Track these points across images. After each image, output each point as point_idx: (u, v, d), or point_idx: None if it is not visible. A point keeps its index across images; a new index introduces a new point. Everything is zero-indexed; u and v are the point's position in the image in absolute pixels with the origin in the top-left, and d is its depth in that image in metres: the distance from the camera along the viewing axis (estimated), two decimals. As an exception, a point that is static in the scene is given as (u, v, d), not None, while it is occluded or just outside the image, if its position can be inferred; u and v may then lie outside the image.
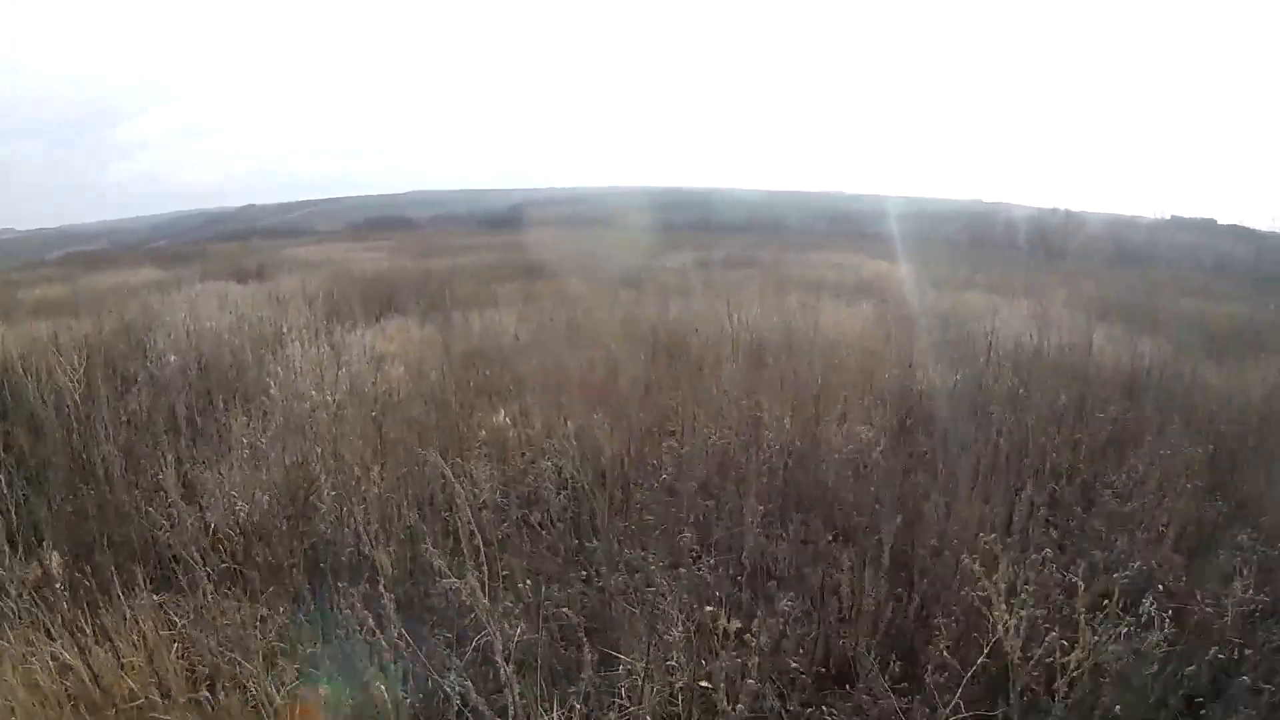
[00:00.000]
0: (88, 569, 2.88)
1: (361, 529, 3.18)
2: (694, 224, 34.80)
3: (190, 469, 4.02)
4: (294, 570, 3.19)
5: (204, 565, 3.08)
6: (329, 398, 4.76)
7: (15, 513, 3.51)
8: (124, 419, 4.58)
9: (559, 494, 3.86)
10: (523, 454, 4.47)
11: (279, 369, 5.67)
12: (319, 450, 3.84)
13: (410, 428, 4.36)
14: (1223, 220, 38.66)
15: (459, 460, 4.08)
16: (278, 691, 2.53)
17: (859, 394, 5.48)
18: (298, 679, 2.65)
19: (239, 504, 3.68)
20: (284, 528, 3.41)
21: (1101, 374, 6.32)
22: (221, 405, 4.86)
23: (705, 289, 11.25)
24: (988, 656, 2.33)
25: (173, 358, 6.32)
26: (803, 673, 2.68)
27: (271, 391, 5.12)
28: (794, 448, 4.33)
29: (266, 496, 3.74)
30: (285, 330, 6.38)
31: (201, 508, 3.64)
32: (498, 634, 2.15)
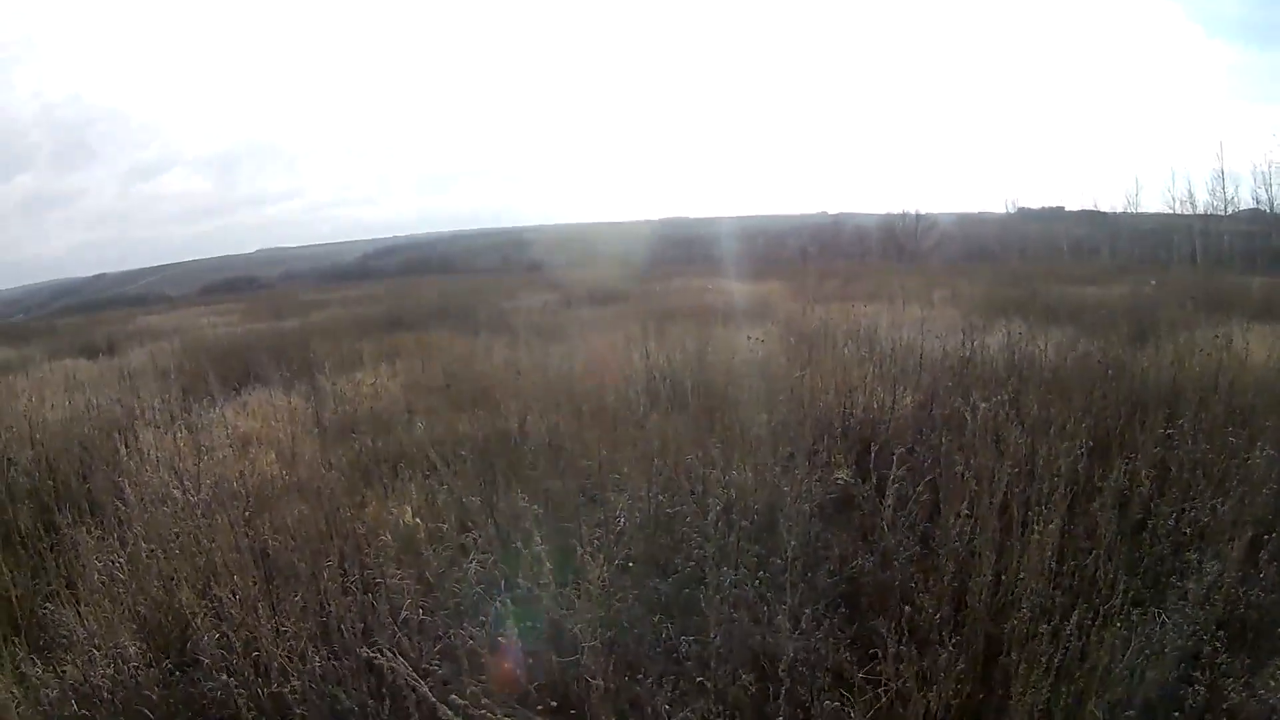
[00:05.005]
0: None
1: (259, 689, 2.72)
2: (540, 263, 34.59)
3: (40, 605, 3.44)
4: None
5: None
6: (191, 497, 4.14)
7: None
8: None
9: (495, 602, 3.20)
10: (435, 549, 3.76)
11: (132, 463, 4.98)
12: (189, 576, 3.33)
13: (294, 536, 3.79)
14: (1071, 207, 39.45)
15: (361, 569, 3.51)
16: None
17: (812, 429, 4.83)
18: None
19: (97, 657, 3.00)
20: (156, 695, 2.85)
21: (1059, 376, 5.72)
22: (71, 517, 4.06)
23: (582, 329, 10.89)
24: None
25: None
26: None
27: (126, 493, 4.45)
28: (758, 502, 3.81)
29: (134, 645, 3.09)
30: (138, 413, 5.61)
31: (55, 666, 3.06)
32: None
